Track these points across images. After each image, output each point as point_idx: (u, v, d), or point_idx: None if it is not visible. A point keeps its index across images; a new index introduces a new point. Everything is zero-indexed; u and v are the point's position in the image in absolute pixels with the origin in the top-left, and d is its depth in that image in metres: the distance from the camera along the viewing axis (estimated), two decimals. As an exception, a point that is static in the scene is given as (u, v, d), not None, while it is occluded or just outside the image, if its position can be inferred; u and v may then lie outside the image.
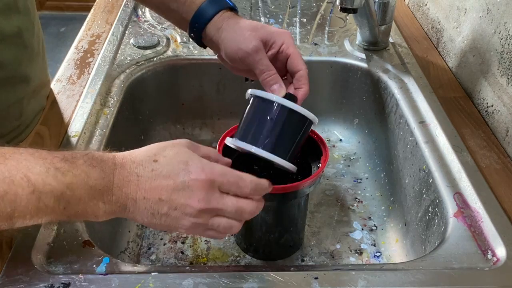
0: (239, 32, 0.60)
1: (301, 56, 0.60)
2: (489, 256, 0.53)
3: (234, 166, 0.63)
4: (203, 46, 0.66)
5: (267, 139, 0.53)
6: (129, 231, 0.72)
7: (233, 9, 0.63)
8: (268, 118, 0.54)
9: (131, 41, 0.91)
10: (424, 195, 0.66)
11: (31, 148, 0.42)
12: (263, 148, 0.53)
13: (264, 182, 0.49)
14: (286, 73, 0.62)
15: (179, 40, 0.92)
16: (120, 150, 0.47)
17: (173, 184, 0.44)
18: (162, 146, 0.47)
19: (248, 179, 0.47)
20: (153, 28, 0.96)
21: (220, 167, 0.46)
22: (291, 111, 0.54)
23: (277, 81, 0.59)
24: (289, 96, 0.57)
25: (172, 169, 0.44)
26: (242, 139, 0.55)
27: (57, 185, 0.40)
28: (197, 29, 0.63)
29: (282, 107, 0.54)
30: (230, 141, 0.57)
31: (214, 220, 0.46)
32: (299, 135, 0.56)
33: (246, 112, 0.56)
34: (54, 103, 0.74)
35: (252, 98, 0.57)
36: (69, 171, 0.41)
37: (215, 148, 0.58)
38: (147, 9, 1.03)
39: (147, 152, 0.46)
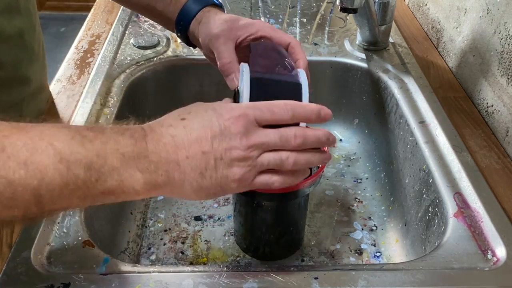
0: (212, 21, 0.60)
1: (284, 33, 0.59)
2: (489, 256, 0.53)
3: None
4: (192, 45, 0.66)
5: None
6: (129, 231, 0.72)
7: (217, 5, 0.63)
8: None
9: (131, 41, 0.91)
10: (424, 195, 0.66)
11: (50, 123, 0.39)
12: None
13: (302, 103, 0.46)
14: None
15: (179, 40, 0.92)
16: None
17: (211, 132, 0.41)
18: (182, 108, 0.45)
19: (281, 102, 0.44)
20: (153, 28, 0.96)
21: (245, 104, 0.44)
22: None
23: (230, 72, 0.57)
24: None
25: (202, 118, 0.42)
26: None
27: (85, 152, 0.37)
28: (182, 27, 0.63)
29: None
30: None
31: (263, 158, 0.43)
32: None
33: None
34: (53, 103, 0.74)
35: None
36: (96, 138, 0.38)
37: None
38: (147, 9, 1.03)
39: (169, 116, 0.44)
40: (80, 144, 0.37)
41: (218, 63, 0.59)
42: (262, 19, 1.02)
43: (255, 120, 0.42)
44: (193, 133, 0.41)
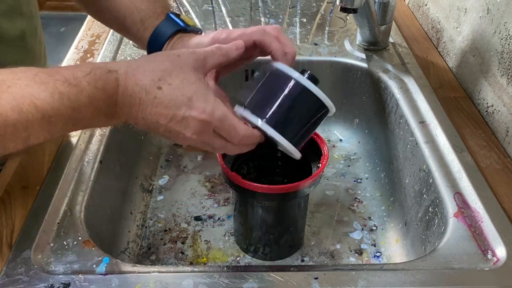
0: (186, 44, 0.59)
1: (244, 31, 0.55)
2: (489, 256, 0.53)
3: (235, 158, 0.63)
4: None
5: (276, 116, 0.50)
6: (129, 231, 0.72)
7: (189, 31, 0.61)
8: (283, 95, 0.50)
9: (131, 41, 0.91)
10: (424, 195, 0.66)
11: (28, 70, 0.42)
12: (270, 125, 0.50)
13: (256, 133, 0.50)
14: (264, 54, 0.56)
15: (179, 40, 0.92)
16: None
17: (172, 115, 0.45)
18: (169, 68, 0.46)
19: (241, 132, 0.48)
20: (153, 28, 0.95)
21: (221, 111, 0.46)
22: (307, 91, 0.50)
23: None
24: (311, 77, 0.52)
25: (175, 100, 0.45)
26: (253, 111, 0.51)
27: (64, 109, 0.41)
28: (154, 49, 0.61)
29: (299, 85, 0.50)
30: (238, 109, 0.53)
31: (212, 135, 0.48)
32: (311, 120, 0.52)
33: (260, 84, 0.52)
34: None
35: (269, 71, 0.52)
36: (74, 95, 0.42)
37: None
38: (147, 9, 1.02)
39: (152, 74, 0.45)
40: (59, 101, 0.41)
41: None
42: (262, 19, 1.02)
43: (213, 128, 0.47)
44: (159, 107, 0.45)
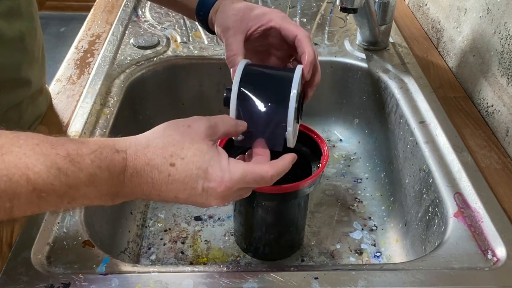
0: (226, 11, 0.60)
1: (295, 24, 0.58)
2: (489, 256, 0.53)
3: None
4: (214, 33, 0.66)
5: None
6: (129, 231, 0.72)
7: None
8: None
9: (131, 41, 0.91)
10: (424, 195, 0.66)
11: (33, 137, 0.39)
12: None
13: (286, 161, 0.48)
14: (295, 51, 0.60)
15: (179, 40, 0.92)
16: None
17: (191, 190, 0.43)
18: (180, 141, 0.44)
19: (269, 174, 0.46)
20: (153, 28, 0.96)
21: (239, 173, 0.44)
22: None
23: (233, 64, 0.57)
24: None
25: (190, 175, 0.43)
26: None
27: (59, 185, 0.38)
28: (202, 17, 0.63)
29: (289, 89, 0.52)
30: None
31: (236, 195, 0.47)
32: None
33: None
34: (53, 104, 0.74)
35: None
36: (74, 172, 0.39)
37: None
38: (147, 9, 1.03)
39: (163, 151, 0.43)
40: (55, 177, 0.38)
41: (225, 54, 0.59)
42: (262, 19, 1.02)
43: (238, 190, 0.45)
44: (174, 184, 0.43)
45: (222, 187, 0.43)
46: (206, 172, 0.43)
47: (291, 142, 0.54)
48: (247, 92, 0.52)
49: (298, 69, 0.53)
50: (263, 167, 0.46)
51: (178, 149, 0.43)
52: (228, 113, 0.52)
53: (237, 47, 0.58)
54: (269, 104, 0.51)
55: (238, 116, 0.51)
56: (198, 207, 0.77)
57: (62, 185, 0.38)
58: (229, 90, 0.52)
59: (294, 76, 0.52)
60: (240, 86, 0.52)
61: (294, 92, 0.51)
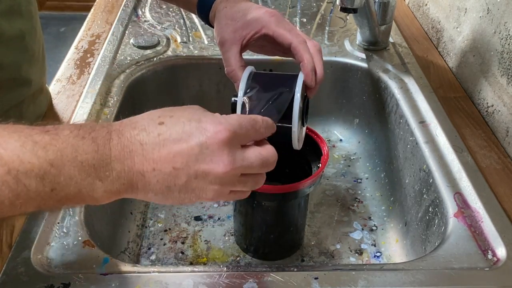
0: (220, 21, 0.60)
1: (290, 30, 0.57)
2: (489, 256, 0.53)
3: None
4: None
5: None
6: (129, 231, 0.72)
7: None
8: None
9: (131, 41, 0.91)
10: (424, 195, 0.66)
11: (5, 124, 0.35)
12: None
13: (267, 118, 0.43)
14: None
15: (179, 40, 0.92)
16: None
17: (188, 148, 0.37)
18: (168, 108, 0.40)
19: (258, 117, 0.42)
20: (153, 28, 0.96)
21: (235, 116, 0.40)
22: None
23: (235, 79, 0.57)
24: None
25: (182, 129, 0.37)
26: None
27: (37, 162, 0.33)
28: (204, 19, 0.64)
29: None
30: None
31: (240, 182, 0.40)
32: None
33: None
34: (53, 104, 0.74)
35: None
36: (51, 144, 0.34)
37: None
38: (147, 9, 1.03)
39: (149, 115, 0.39)
40: (31, 152, 0.33)
41: (225, 70, 0.59)
42: (262, 19, 1.02)
43: (241, 139, 0.39)
44: (167, 145, 0.37)
45: (222, 131, 0.37)
46: (199, 121, 0.38)
47: (296, 144, 0.55)
48: (251, 98, 0.53)
49: (299, 79, 0.55)
50: (252, 115, 0.42)
51: (167, 111, 0.39)
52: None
53: (235, 61, 0.58)
54: (274, 109, 0.52)
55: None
56: (198, 207, 0.77)
57: (40, 160, 0.33)
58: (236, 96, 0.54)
59: (297, 81, 0.54)
60: (245, 93, 0.53)
61: (298, 95, 0.52)
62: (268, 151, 0.41)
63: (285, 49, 0.58)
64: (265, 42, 0.60)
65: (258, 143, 0.42)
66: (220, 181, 0.38)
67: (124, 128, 0.37)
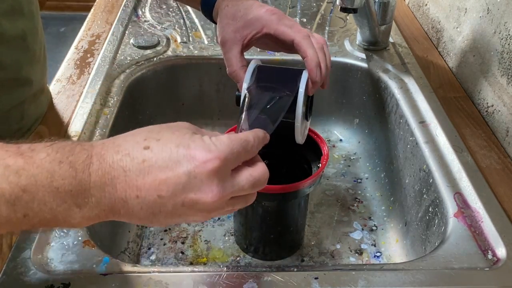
0: (221, 20, 0.60)
1: (291, 26, 0.56)
2: (489, 256, 0.53)
3: None
4: None
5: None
6: (129, 231, 0.72)
7: None
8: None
9: (131, 41, 0.91)
10: (424, 195, 0.66)
11: None
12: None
13: (259, 131, 0.41)
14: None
15: (179, 40, 0.92)
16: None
17: (174, 176, 0.34)
18: (155, 127, 0.37)
19: (250, 137, 0.39)
20: (153, 28, 0.96)
21: (225, 139, 0.37)
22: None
23: (237, 80, 0.57)
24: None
25: (169, 156, 0.35)
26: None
27: (8, 187, 0.31)
28: (208, 13, 0.64)
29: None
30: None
31: (229, 204, 0.38)
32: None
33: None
34: (53, 104, 0.74)
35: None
36: (24, 169, 0.32)
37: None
38: (147, 9, 1.03)
39: (134, 136, 0.36)
40: (2, 176, 0.31)
41: (227, 70, 0.59)
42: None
43: (231, 165, 0.37)
44: (152, 172, 0.34)
45: (212, 160, 0.35)
46: (188, 148, 0.35)
47: (299, 138, 0.55)
48: (255, 92, 0.54)
49: (303, 77, 0.55)
50: (242, 133, 0.40)
51: (154, 133, 0.36)
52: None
53: (236, 61, 0.58)
54: (278, 102, 0.52)
55: (248, 113, 0.52)
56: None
57: (11, 186, 0.31)
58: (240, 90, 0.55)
59: (302, 76, 0.55)
60: (249, 85, 0.54)
61: (301, 91, 0.53)
62: (259, 171, 0.39)
63: (289, 46, 0.58)
64: (268, 40, 0.60)
65: (249, 160, 0.40)
66: (208, 208, 0.36)
67: (106, 152, 0.35)
